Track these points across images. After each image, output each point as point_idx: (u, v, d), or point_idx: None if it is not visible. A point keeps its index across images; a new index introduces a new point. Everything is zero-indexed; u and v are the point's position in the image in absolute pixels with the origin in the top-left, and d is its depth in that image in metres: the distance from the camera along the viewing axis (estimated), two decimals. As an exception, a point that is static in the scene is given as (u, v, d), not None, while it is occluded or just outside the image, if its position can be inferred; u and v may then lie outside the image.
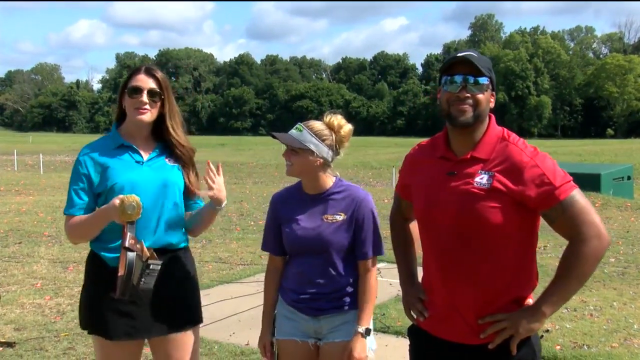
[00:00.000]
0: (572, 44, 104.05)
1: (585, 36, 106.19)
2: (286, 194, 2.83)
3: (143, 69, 2.65)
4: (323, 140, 2.64)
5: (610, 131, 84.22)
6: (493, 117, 2.17)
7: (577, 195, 2.01)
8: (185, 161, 2.75)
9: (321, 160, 2.64)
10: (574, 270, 2.00)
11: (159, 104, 2.65)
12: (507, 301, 2.10)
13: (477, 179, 2.05)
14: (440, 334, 2.19)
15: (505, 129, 2.14)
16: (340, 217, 2.66)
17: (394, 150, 40.14)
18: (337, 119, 2.68)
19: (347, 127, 2.70)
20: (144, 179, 2.60)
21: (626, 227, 11.06)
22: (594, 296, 6.44)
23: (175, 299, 2.68)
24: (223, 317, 5.71)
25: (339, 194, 2.69)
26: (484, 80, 2.05)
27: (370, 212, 2.67)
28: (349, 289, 2.68)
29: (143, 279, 2.40)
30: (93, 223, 2.55)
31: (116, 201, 2.41)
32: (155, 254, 2.47)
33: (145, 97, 2.59)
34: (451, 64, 2.09)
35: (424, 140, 2.35)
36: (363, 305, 2.65)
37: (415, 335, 2.34)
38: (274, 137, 2.70)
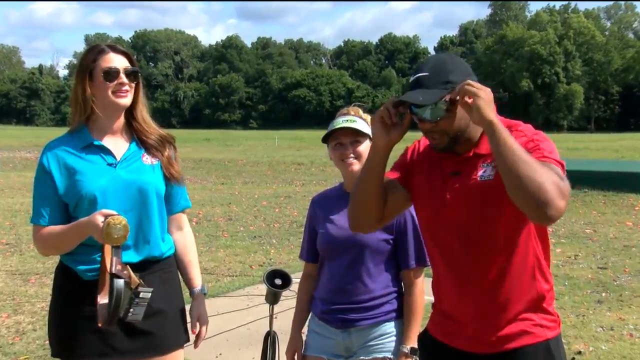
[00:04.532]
0: (608, 24, 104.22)
1: (624, 14, 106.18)
2: (326, 194, 2.98)
3: (108, 48, 2.63)
4: (369, 125, 2.77)
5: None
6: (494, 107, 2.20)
7: (559, 169, 2.00)
8: (159, 150, 2.72)
9: None
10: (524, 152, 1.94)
11: (135, 84, 2.64)
12: (525, 303, 2.18)
13: (480, 173, 2.15)
14: (452, 343, 2.29)
15: (509, 120, 2.20)
16: None
17: (401, 146, 39.81)
18: (360, 110, 2.85)
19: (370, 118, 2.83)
20: (116, 185, 2.58)
21: (670, 233, 11.05)
22: (633, 313, 6.43)
23: (160, 317, 2.67)
24: (209, 336, 5.63)
25: None
26: (441, 104, 2.08)
27: (412, 217, 2.74)
28: (385, 300, 2.76)
29: (132, 310, 2.43)
30: (69, 238, 2.55)
31: (98, 220, 2.39)
32: (142, 282, 2.48)
33: (124, 78, 2.59)
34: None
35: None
36: (408, 322, 2.74)
37: (426, 343, 2.43)
38: (333, 132, 2.76)
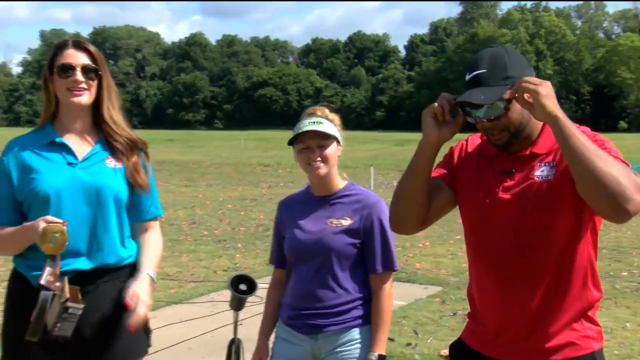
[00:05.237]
0: (579, 23, 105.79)
1: (594, 13, 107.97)
2: (293, 197, 3.00)
3: (70, 42, 2.62)
4: (336, 126, 2.81)
5: (623, 124, 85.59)
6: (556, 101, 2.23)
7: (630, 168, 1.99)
8: (126, 155, 2.68)
9: (341, 150, 2.81)
10: (598, 149, 1.92)
11: (96, 82, 2.62)
12: (574, 312, 2.16)
13: (537, 173, 2.13)
14: (488, 352, 2.26)
15: None
16: (346, 222, 2.77)
17: (372, 147, 40.33)
18: (326, 110, 2.84)
19: (338, 118, 2.87)
20: (72, 186, 2.55)
21: (641, 235, 11.26)
22: (603, 316, 6.54)
23: (115, 327, 2.63)
24: (171, 344, 5.66)
25: (348, 198, 2.82)
26: (499, 104, 2.05)
27: (379, 220, 2.76)
28: (354, 305, 2.77)
29: (59, 324, 2.40)
30: (17, 240, 2.54)
31: (40, 225, 2.37)
32: (80, 295, 2.46)
33: (79, 75, 2.56)
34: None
35: (474, 134, 2.37)
36: (376, 328, 2.75)
37: (458, 352, 2.41)
38: (298, 135, 2.74)
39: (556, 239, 2.11)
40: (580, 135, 1.90)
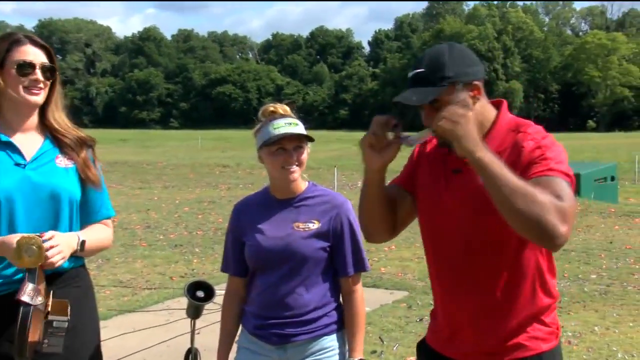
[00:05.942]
0: (547, 19, 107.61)
1: (562, 9, 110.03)
2: (249, 200, 2.92)
3: (25, 38, 2.58)
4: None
5: (591, 123, 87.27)
6: (505, 104, 2.26)
7: (564, 184, 2.01)
8: (75, 150, 2.65)
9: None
10: (527, 186, 1.94)
11: (50, 82, 2.60)
12: (522, 316, 2.21)
13: None
14: (446, 352, 2.32)
15: (518, 119, 2.24)
16: (314, 225, 2.74)
17: (336, 147, 40.41)
18: (288, 109, 2.81)
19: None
20: (24, 188, 2.51)
21: (609, 237, 11.49)
22: (572, 320, 6.66)
23: (69, 333, 2.56)
24: (124, 355, 5.63)
25: (313, 199, 2.79)
26: (427, 130, 2.11)
27: (348, 221, 2.76)
28: (324, 312, 2.77)
29: (46, 340, 2.38)
30: None
31: (13, 241, 2.34)
32: (66, 307, 2.44)
33: (39, 74, 2.54)
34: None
35: None
36: (352, 333, 2.77)
37: (424, 353, 2.47)
38: (288, 135, 2.68)
39: (502, 243, 2.16)
40: (502, 174, 1.94)
